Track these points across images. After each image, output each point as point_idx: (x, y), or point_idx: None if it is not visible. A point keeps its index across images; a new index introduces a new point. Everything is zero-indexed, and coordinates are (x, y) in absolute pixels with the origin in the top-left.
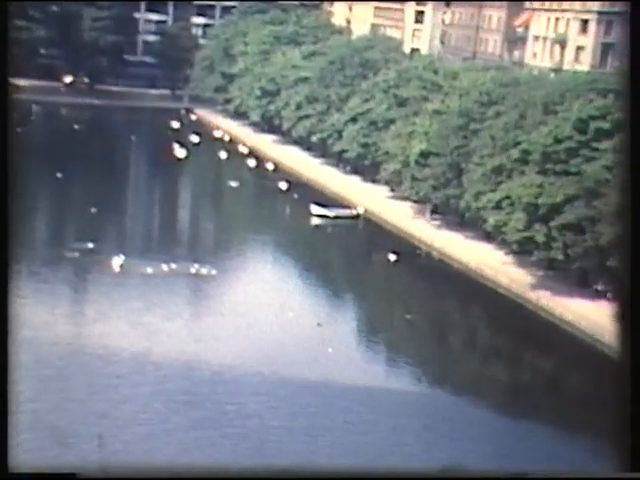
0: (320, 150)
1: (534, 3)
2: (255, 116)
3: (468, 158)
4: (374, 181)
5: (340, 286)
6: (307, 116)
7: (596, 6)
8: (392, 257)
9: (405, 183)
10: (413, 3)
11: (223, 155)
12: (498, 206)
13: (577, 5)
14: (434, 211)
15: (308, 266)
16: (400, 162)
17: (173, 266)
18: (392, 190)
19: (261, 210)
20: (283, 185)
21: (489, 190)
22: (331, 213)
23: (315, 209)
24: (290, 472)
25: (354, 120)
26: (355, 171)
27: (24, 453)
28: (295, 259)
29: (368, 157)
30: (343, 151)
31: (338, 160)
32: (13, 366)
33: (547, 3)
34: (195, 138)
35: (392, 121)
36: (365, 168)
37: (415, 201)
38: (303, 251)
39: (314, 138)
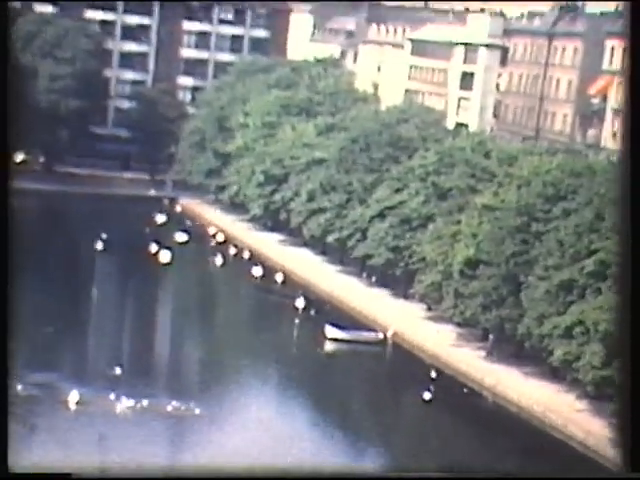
0: (338, 254)
1: (613, 64)
2: (256, 209)
3: (528, 269)
4: (406, 296)
5: (361, 432)
6: (322, 210)
7: None
8: (427, 395)
9: (446, 300)
10: (460, 61)
11: (218, 260)
12: (568, 334)
13: None
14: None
15: (320, 405)
16: (440, 272)
17: (145, 403)
18: (429, 309)
19: (261, 333)
20: (300, 303)
21: (556, 312)
22: (350, 336)
23: (330, 331)
24: (290, 472)
25: (382, 216)
26: (383, 283)
27: None
28: (303, 396)
29: (399, 265)
30: (367, 256)
31: (361, 268)
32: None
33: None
34: (181, 237)
35: (430, 218)
36: (395, 279)
37: (459, 324)
38: (314, 386)
39: (330, 238)
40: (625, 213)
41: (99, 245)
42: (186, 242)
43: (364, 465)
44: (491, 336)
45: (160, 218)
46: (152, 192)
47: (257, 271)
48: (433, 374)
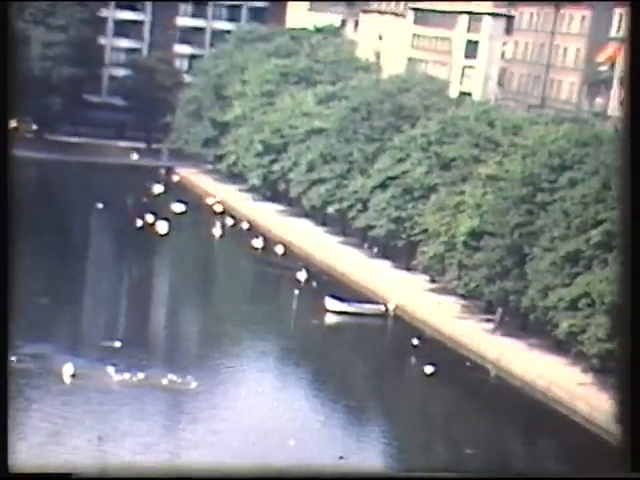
0: (339, 225)
1: (621, 31)
2: (255, 179)
3: (533, 240)
4: (409, 268)
5: (363, 407)
6: (322, 180)
7: None
8: (429, 369)
9: (450, 271)
10: (464, 30)
11: (216, 232)
12: (573, 306)
13: None
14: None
15: (320, 380)
16: (443, 243)
17: (140, 376)
18: (432, 280)
19: (260, 305)
20: (302, 275)
21: (561, 284)
22: (352, 309)
23: (331, 303)
24: (290, 472)
25: (383, 186)
26: (384, 254)
27: None
28: (303, 370)
29: (401, 236)
30: (369, 227)
31: (362, 239)
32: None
33: None
34: (179, 207)
35: (433, 189)
36: (397, 250)
37: (463, 296)
38: (314, 359)
39: (331, 209)
40: (626, 184)
41: (95, 216)
42: (183, 213)
43: (364, 465)
44: (499, 310)
45: (157, 188)
46: (148, 161)
47: (257, 243)
48: (415, 341)
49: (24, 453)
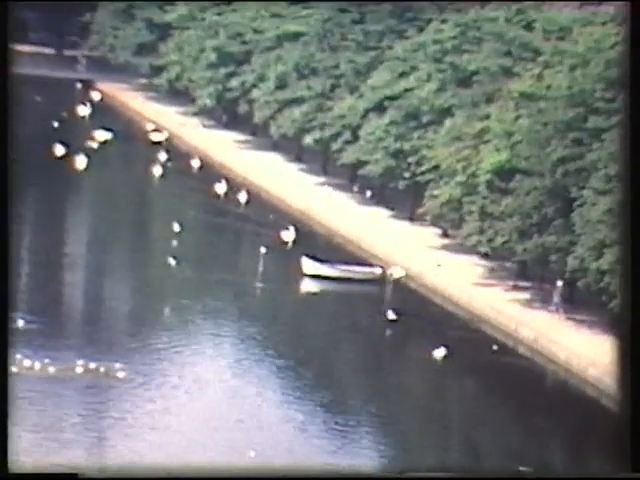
0: (319, 161)
1: None
2: (206, 98)
3: (583, 180)
4: (413, 218)
5: (352, 404)
6: (297, 100)
7: None
8: (440, 353)
9: (469, 223)
10: None
11: (156, 170)
12: None
13: None
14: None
15: (295, 368)
16: (460, 185)
17: (52, 363)
18: (445, 234)
19: (214, 272)
20: (288, 235)
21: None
22: (336, 273)
23: (309, 266)
24: (290, 472)
25: (380, 109)
26: (381, 200)
27: None
28: (273, 354)
29: (404, 175)
30: (360, 163)
31: (351, 179)
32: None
33: None
34: (102, 135)
35: (447, 112)
36: (398, 195)
37: (486, 255)
38: (287, 340)
39: (309, 139)
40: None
41: None
42: (108, 142)
43: (364, 465)
44: (559, 283)
45: (85, 109)
46: (58, 73)
47: (222, 188)
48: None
49: None
